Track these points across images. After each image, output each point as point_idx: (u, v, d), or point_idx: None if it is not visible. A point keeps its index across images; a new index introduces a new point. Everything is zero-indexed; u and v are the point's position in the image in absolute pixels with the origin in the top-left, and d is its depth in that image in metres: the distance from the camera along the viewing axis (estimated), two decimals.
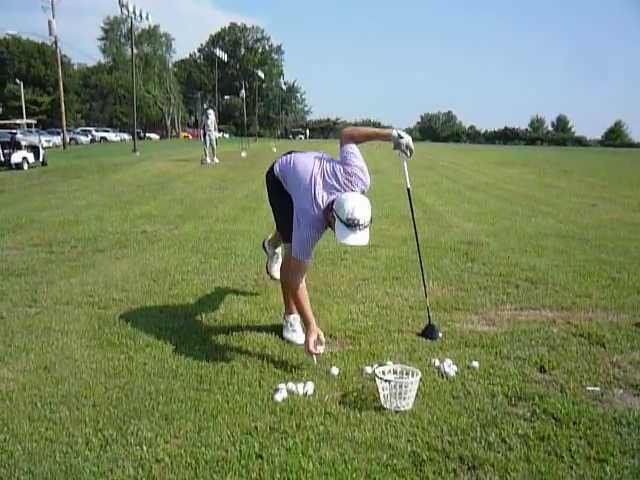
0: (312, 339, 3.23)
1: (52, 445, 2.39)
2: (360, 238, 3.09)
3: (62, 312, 4.10)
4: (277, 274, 4.16)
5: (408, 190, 3.96)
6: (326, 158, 3.54)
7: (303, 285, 3.38)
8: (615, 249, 6.41)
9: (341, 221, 3.08)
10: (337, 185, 3.33)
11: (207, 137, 20.07)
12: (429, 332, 3.68)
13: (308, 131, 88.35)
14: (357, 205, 3.07)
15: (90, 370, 3.13)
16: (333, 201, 3.22)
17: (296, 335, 3.65)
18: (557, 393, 2.89)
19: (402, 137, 3.47)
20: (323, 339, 3.27)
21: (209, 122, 20.07)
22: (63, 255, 5.96)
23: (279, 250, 4.24)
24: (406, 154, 3.55)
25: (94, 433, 2.48)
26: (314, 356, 3.23)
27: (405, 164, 3.78)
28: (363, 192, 3.40)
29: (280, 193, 3.63)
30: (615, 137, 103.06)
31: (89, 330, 3.75)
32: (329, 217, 3.20)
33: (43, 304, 4.29)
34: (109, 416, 2.62)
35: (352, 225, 3.05)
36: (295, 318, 3.70)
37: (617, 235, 7.34)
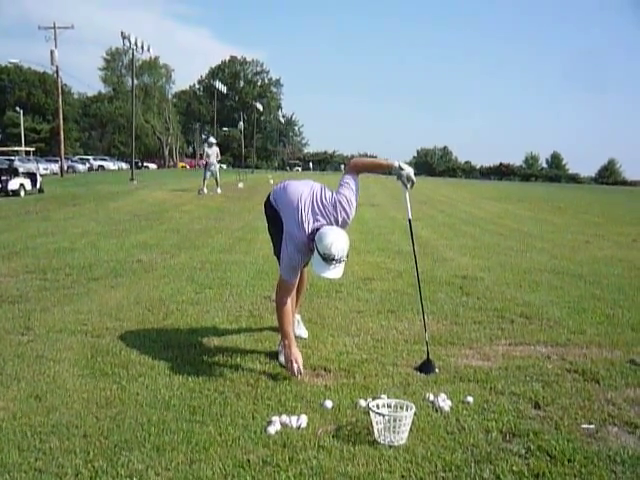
0: (298, 355, 3.50)
1: (41, 476, 2.36)
2: (334, 272, 3.30)
3: (55, 340, 4.08)
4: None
5: (409, 221, 4.01)
6: (318, 185, 3.68)
7: (289, 306, 3.64)
8: (609, 286, 6.43)
9: (319, 254, 3.26)
10: (323, 211, 3.49)
11: (207, 168, 20.08)
12: (426, 367, 3.65)
13: (311, 164, 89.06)
14: (335, 241, 3.24)
15: (82, 400, 3.10)
16: (317, 229, 3.35)
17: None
18: (552, 430, 2.87)
19: (403, 169, 3.60)
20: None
21: (210, 152, 20.02)
22: (57, 283, 5.94)
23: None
24: (406, 186, 3.65)
25: (84, 464, 2.45)
26: (296, 370, 3.44)
27: (407, 195, 3.83)
28: (345, 222, 3.54)
29: (276, 222, 3.75)
30: (608, 175, 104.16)
31: (82, 359, 3.72)
32: (311, 245, 3.38)
33: (36, 332, 4.26)
34: (100, 447, 2.59)
35: (328, 259, 3.25)
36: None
37: (611, 272, 7.38)
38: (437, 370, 3.64)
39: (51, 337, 4.15)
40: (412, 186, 3.66)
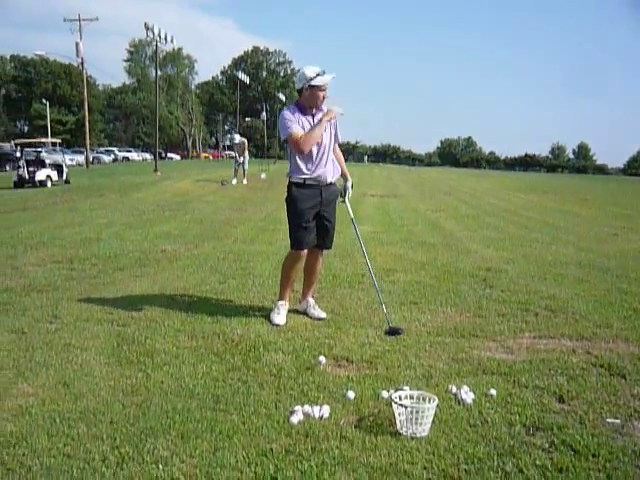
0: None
1: (69, 461, 2.41)
2: (329, 76, 4.23)
3: (82, 329, 4.15)
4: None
5: (352, 220, 4.72)
6: None
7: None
8: (637, 279, 6.31)
9: (314, 78, 4.15)
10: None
11: (235, 160, 21.35)
12: (393, 331, 4.14)
13: None
14: (308, 67, 4.22)
15: (108, 387, 3.16)
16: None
17: (279, 318, 4.36)
18: (576, 424, 2.84)
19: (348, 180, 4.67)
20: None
21: (234, 146, 21.32)
22: (84, 272, 6.04)
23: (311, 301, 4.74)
24: (342, 195, 4.64)
25: (111, 450, 2.49)
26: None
27: (347, 200, 4.67)
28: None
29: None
30: (637, 166, 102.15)
31: (108, 347, 3.79)
32: (305, 95, 4.23)
33: (63, 320, 4.34)
34: (126, 433, 2.64)
35: (322, 73, 4.18)
36: (282, 304, 4.47)
37: (639, 265, 7.24)
38: (401, 332, 4.14)
39: (78, 326, 4.22)
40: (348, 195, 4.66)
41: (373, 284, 4.68)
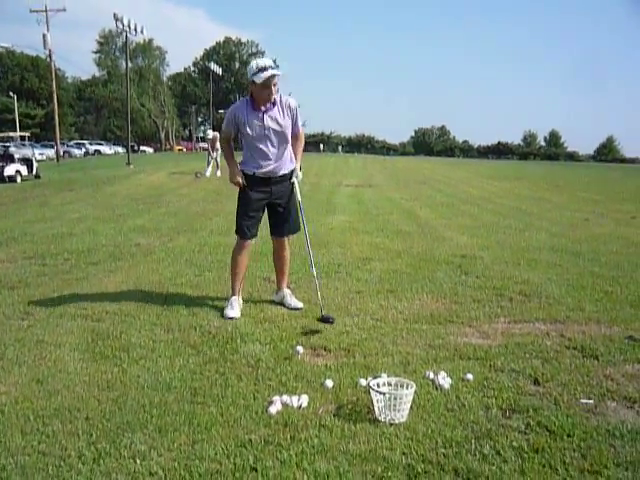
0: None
1: (45, 458, 2.37)
2: (276, 71, 4.00)
3: (55, 325, 4.08)
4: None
5: (299, 202, 4.53)
6: None
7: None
8: (607, 263, 6.44)
9: (256, 74, 3.94)
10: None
11: (208, 153, 21.57)
12: (325, 319, 4.07)
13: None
14: (257, 59, 4.08)
15: (83, 383, 3.11)
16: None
17: (233, 312, 4.26)
18: (551, 406, 2.89)
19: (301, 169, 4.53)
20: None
21: (207, 141, 21.74)
22: (56, 268, 5.94)
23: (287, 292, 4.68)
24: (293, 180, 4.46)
25: (87, 446, 2.46)
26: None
27: (296, 183, 4.48)
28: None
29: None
30: (607, 152, 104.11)
31: (82, 343, 3.73)
32: (253, 89, 4.07)
33: (36, 317, 4.26)
34: (102, 429, 2.60)
35: (264, 69, 3.95)
36: (235, 299, 4.39)
37: (609, 249, 7.39)
38: (332, 320, 4.05)
39: (51, 322, 4.15)
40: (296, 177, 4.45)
41: (310, 264, 4.45)
